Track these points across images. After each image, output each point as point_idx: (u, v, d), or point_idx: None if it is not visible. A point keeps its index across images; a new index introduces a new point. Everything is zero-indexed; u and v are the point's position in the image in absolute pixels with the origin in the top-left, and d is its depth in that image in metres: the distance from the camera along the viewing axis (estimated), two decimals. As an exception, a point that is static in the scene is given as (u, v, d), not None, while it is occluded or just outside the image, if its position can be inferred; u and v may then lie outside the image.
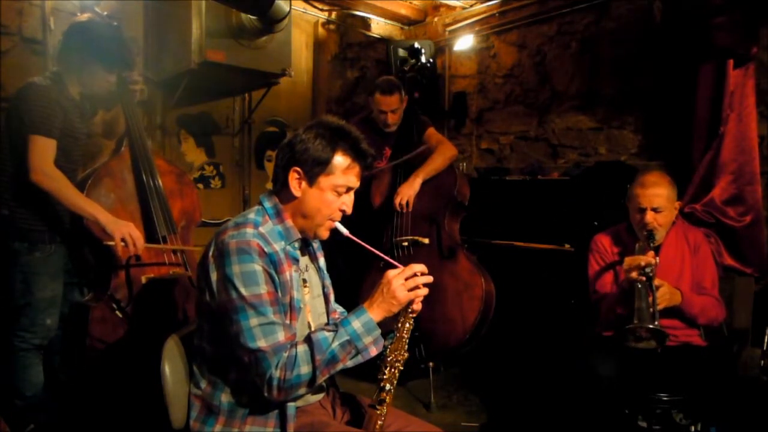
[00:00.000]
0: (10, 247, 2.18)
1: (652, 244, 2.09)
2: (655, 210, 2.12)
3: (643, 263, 1.96)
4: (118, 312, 2.26)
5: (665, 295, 2.00)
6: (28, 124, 2.10)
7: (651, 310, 1.89)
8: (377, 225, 3.04)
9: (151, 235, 2.38)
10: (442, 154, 3.09)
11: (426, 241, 2.96)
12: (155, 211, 2.40)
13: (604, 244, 2.34)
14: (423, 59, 3.14)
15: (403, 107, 3.13)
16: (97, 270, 2.40)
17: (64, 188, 2.11)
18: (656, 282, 1.96)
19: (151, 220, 2.39)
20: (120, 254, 2.20)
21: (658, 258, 2.04)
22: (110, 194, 2.36)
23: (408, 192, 2.96)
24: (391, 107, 3.07)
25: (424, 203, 3.01)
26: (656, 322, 1.87)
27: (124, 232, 2.13)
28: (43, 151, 2.10)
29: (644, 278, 1.95)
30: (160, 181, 2.45)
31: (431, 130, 3.21)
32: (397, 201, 2.95)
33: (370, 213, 3.05)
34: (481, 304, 2.80)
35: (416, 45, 3.19)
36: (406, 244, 2.97)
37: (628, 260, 2.03)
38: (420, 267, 1.39)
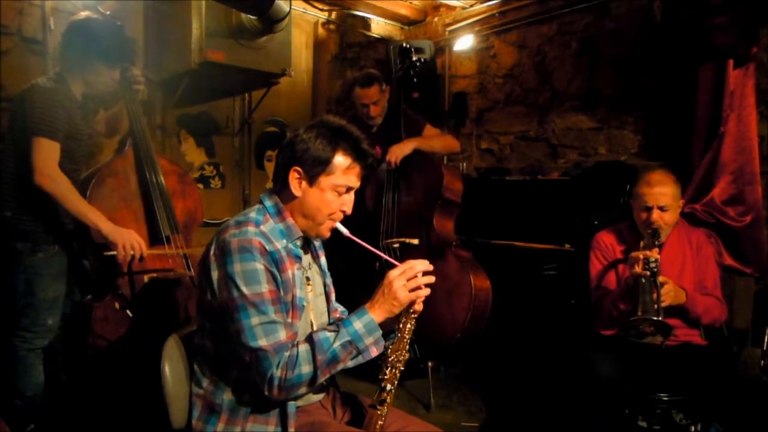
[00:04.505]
0: (12, 247, 2.18)
1: (657, 242, 2.10)
2: (661, 208, 2.13)
3: (646, 256, 1.98)
4: (128, 311, 2.26)
5: (670, 292, 2.00)
6: (32, 126, 2.10)
7: (655, 305, 1.90)
8: (369, 227, 3.03)
9: (154, 235, 2.38)
10: (443, 138, 3.20)
11: (415, 242, 2.95)
12: (159, 211, 2.39)
13: (606, 242, 2.34)
14: (413, 58, 3.13)
15: (386, 98, 3.14)
16: (99, 270, 2.40)
17: (68, 192, 2.11)
18: (661, 279, 1.97)
19: (155, 220, 2.39)
20: (121, 262, 2.19)
21: (659, 256, 2.05)
22: (113, 194, 2.35)
23: (397, 151, 2.96)
24: (372, 99, 3.10)
25: (411, 202, 3.01)
26: (661, 317, 1.87)
27: (126, 240, 2.13)
28: (47, 154, 2.10)
29: (648, 273, 1.96)
30: (163, 180, 2.45)
31: (429, 128, 3.22)
32: (388, 158, 2.96)
33: (362, 215, 3.04)
34: (471, 302, 2.77)
35: (405, 45, 3.18)
36: (396, 246, 2.97)
37: (633, 254, 2.05)
38: (422, 265, 1.38)
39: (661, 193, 2.13)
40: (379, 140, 3.16)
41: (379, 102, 3.12)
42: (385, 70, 4.17)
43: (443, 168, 3.03)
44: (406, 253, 2.96)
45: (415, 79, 3.19)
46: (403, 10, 4.44)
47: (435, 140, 3.16)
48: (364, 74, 3.17)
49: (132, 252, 2.14)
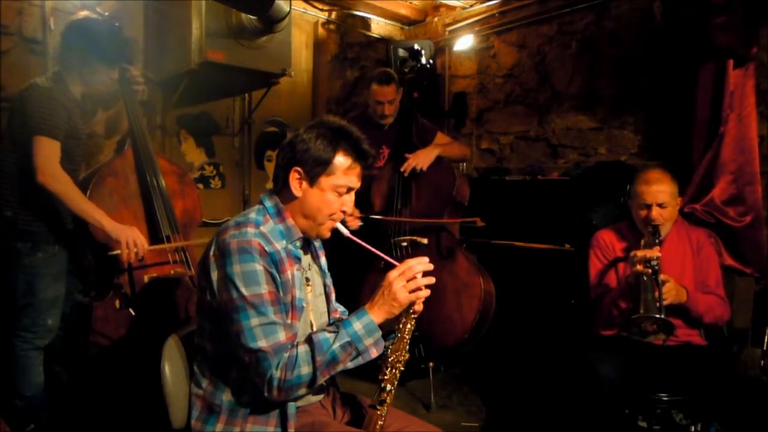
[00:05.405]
0: (12, 247, 2.18)
1: (657, 240, 2.11)
2: (660, 206, 2.14)
3: (648, 255, 1.98)
4: (130, 309, 2.26)
5: (671, 290, 2.00)
6: (32, 126, 2.10)
7: (657, 303, 1.90)
8: (377, 225, 3.03)
9: (154, 235, 2.38)
10: (460, 146, 3.26)
11: (425, 241, 2.96)
12: (159, 211, 2.39)
13: (605, 240, 2.35)
14: (423, 60, 3.13)
15: (399, 98, 3.14)
16: (99, 270, 2.40)
17: (71, 191, 2.11)
18: (662, 277, 1.98)
19: (155, 220, 2.39)
20: (124, 260, 2.20)
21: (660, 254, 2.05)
22: (113, 194, 2.35)
23: (424, 158, 2.95)
24: (388, 98, 3.08)
25: (423, 203, 3.01)
26: (663, 315, 1.87)
27: (129, 237, 2.13)
28: (49, 153, 2.10)
29: (650, 271, 1.97)
30: (163, 181, 2.45)
31: (440, 135, 3.25)
32: (411, 163, 2.93)
33: (370, 214, 3.05)
34: (480, 303, 2.81)
35: (416, 46, 3.19)
36: (405, 244, 2.97)
37: (634, 252, 2.05)
38: (421, 265, 1.38)
39: (659, 191, 2.15)
40: (387, 140, 3.16)
41: (394, 101, 3.11)
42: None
43: (455, 170, 3.05)
44: (414, 252, 2.96)
45: (425, 82, 3.18)
46: (403, 10, 4.44)
47: (453, 148, 3.19)
48: (382, 72, 3.12)
49: (135, 249, 2.14)
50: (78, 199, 2.12)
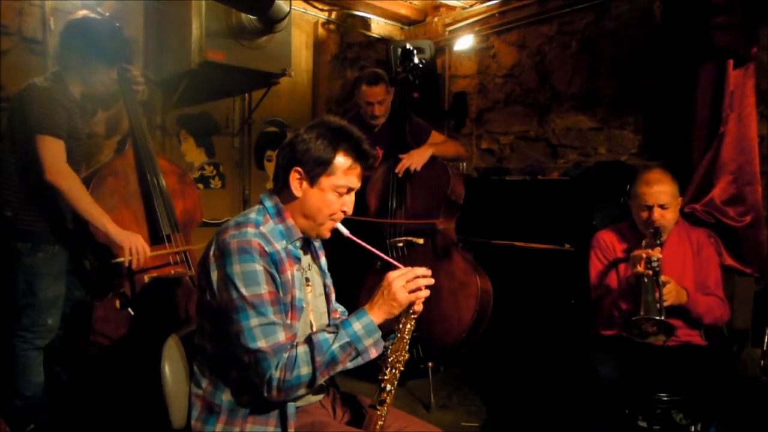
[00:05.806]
0: (13, 247, 2.18)
1: (658, 241, 2.10)
2: (661, 207, 2.14)
3: (649, 255, 1.98)
4: (129, 309, 2.26)
5: (672, 291, 2.01)
6: (34, 125, 2.09)
7: (658, 305, 1.90)
8: (372, 226, 3.03)
9: (154, 234, 2.38)
10: (455, 144, 3.28)
11: (420, 241, 2.96)
12: (159, 210, 2.39)
13: (606, 241, 2.35)
14: (415, 60, 3.14)
15: (390, 99, 3.15)
16: (99, 270, 2.40)
17: (78, 190, 2.11)
18: (663, 278, 1.98)
19: (155, 219, 2.39)
20: (125, 266, 2.20)
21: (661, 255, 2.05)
22: (113, 194, 2.35)
23: (417, 159, 2.95)
24: (377, 98, 3.09)
25: (418, 203, 3.02)
26: (663, 317, 1.87)
27: (132, 243, 2.13)
28: (54, 151, 2.09)
29: (651, 272, 1.96)
30: (163, 181, 2.45)
31: (435, 134, 3.25)
32: (404, 163, 2.93)
33: (365, 215, 3.04)
34: (477, 303, 2.81)
35: (408, 46, 3.18)
36: (401, 244, 2.97)
37: (635, 253, 2.05)
38: (421, 271, 1.39)
39: (661, 191, 2.14)
40: (380, 141, 3.15)
41: (384, 102, 3.12)
42: (385, 71, 4.18)
43: (449, 170, 3.05)
44: (410, 252, 2.96)
45: (416, 81, 3.19)
46: (403, 10, 4.44)
47: (447, 146, 3.20)
48: (371, 73, 3.15)
49: (138, 256, 2.14)
50: (85, 200, 2.12)
